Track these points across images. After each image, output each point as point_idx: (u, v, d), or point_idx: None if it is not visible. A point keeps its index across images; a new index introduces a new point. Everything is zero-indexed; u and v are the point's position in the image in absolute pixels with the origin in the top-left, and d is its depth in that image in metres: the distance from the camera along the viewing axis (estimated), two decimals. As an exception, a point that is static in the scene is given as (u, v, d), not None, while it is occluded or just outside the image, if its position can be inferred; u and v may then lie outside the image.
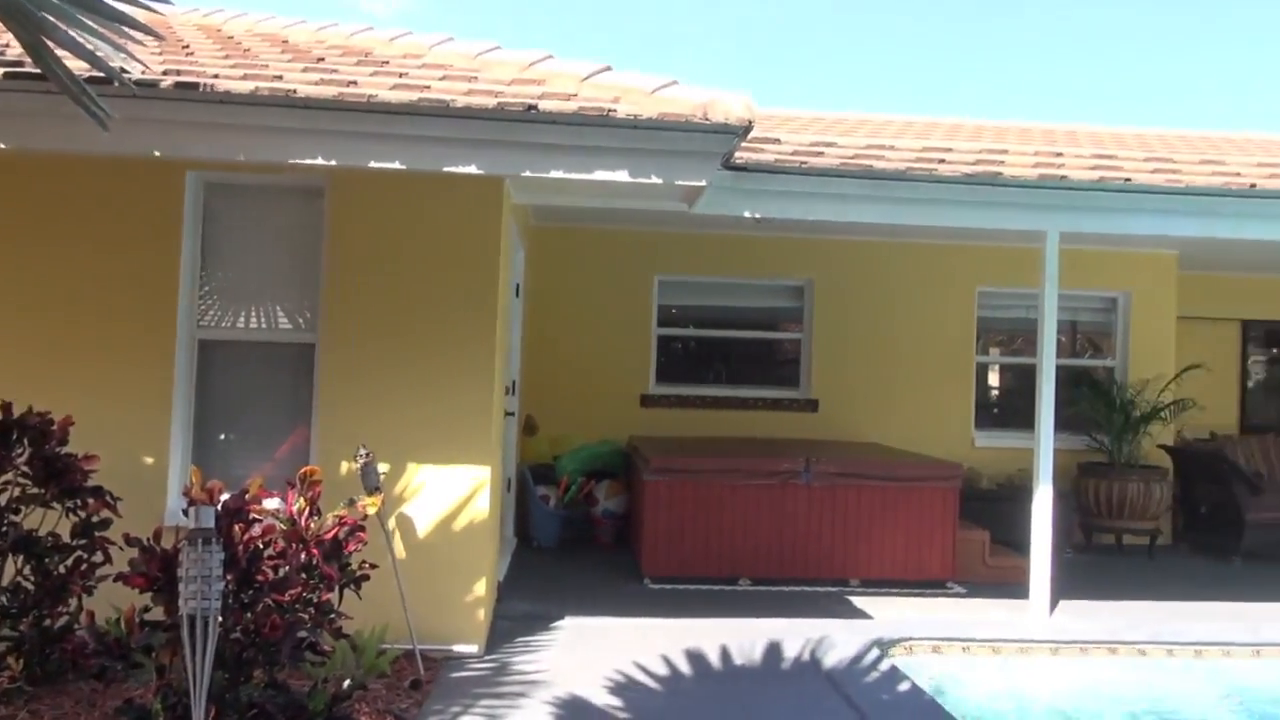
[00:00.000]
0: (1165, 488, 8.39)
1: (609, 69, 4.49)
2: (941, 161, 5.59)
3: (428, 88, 4.15)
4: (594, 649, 5.05)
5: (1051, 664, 5.41)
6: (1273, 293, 10.20)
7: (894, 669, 4.86)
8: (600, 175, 4.34)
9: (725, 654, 5.03)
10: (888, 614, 5.99)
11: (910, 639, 5.40)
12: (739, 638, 5.26)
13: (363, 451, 4.62)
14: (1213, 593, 6.87)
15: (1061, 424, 6.45)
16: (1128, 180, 5.59)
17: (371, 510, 4.50)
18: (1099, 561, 8.01)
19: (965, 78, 26.79)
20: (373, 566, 4.15)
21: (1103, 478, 8.32)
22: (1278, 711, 4.88)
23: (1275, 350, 10.97)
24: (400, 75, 4.32)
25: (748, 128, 4.21)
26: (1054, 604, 6.08)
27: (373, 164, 4.21)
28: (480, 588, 5.00)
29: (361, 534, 4.04)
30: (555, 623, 5.53)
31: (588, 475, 8.05)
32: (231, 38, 5.39)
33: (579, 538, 7.90)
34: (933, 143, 6.16)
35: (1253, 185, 5.62)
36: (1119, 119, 11.96)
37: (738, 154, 5.12)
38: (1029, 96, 26.45)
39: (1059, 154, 6.00)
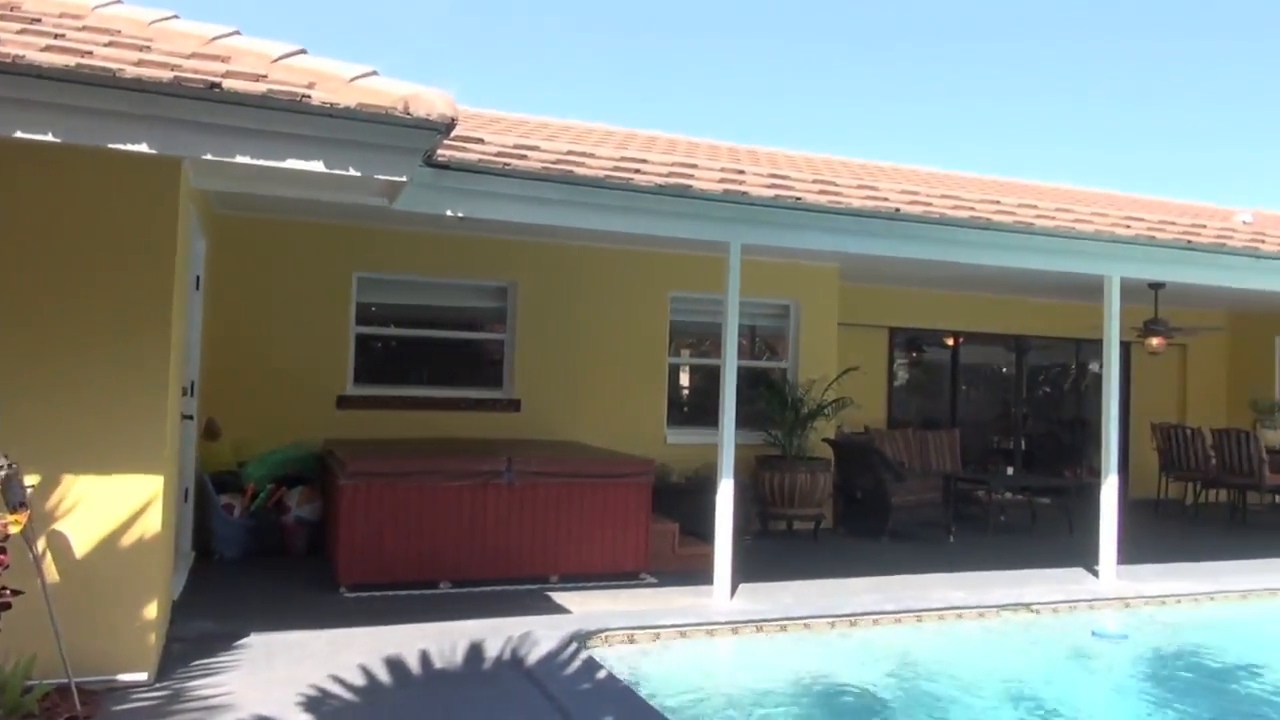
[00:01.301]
0: (828, 477, 9.37)
1: (303, 52, 4.27)
2: (637, 172, 5.87)
3: (90, 53, 3.71)
4: (285, 665, 4.77)
5: (733, 643, 5.85)
6: (914, 303, 11.73)
7: (591, 660, 5.03)
8: (292, 164, 4.11)
9: (426, 659, 4.95)
10: (586, 608, 6.18)
11: (607, 630, 5.61)
12: (440, 641, 5.20)
13: (2, 461, 4.03)
14: (865, 569, 7.75)
15: (743, 420, 7.00)
16: (799, 199, 6.18)
17: (15, 529, 3.93)
18: (773, 546, 8.77)
19: (663, 92, 28.27)
20: (15, 593, 3.65)
21: (776, 469, 9.13)
22: (915, 668, 5.61)
23: (915, 354, 12.64)
24: (56, 36, 3.83)
25: (450, 125, 4.18)
26: (735, 588, 6.58)
27: (19, 134, 3.70)
28: (150, 609, 4.55)
29: (1, 556, 3.53)
30: (240, 641, 5.15)
31: (278, 481, 7.58)
32: None
33: (268, 548, 7.42)
34: (630, 153, 6.45)
35: (898, 209, 6.42)
36: (785, 142, 13.20)
37: (440, 151, 5.06)
38: (716, 116, 28.42)
39: (741, 172, 6.50)
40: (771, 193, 6.13)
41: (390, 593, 6.39)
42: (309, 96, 3.89)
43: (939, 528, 9.62)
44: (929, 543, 9.23)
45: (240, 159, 4.03)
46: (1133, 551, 8.09)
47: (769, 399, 9.53)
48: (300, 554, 7.48)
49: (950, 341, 12.65)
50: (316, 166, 4.13)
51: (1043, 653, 6.16)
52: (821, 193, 6.35)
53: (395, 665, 4.83)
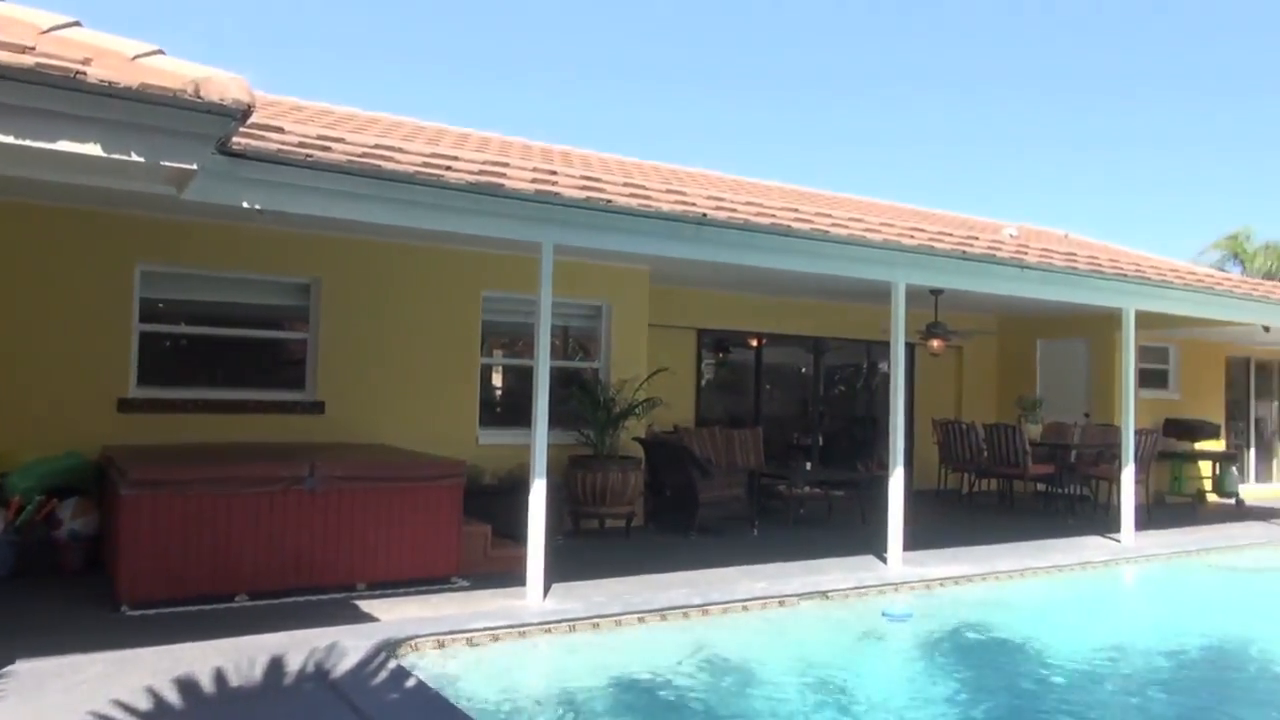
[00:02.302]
0: (639, 475, 9.55)
1: (78, 24, 3.93)
2: (449, 169, 5.77)
3: None
4: (58, 693, 4.36)
5: (546, 643, 5.85)
6: (721, 306, 12.15)
7: (401, 669, 4.90)
8: (66, 146, 3.78)
9: (221, 677, 4.66)
10: (395, 615, 6.02)
11: (417, 637, 5.48)
12: (237, 658, 4.91)
13: None
14: (674, 564, 7.95)
15: (556, 421, 7.02)
16: (610, 202, 6.27)
17: None
18: (586, 545, 8.85)
19: (474, 90, 27.93)
20: None
21: (589, 469, 9.21)
22: (722, 657, 5.81)
23: (721, 355, 13.10)
24: None
25: (246, 111, 3.97)
26: (548, 588, 6.59)
27: None
28: (-109, 639, 4.05)
29: None
30: (4, 669, 4.66)
31: (48, 493, 6.92)
32: None
33: (38, 566, 6.76)
34: (441, 149, 6.34)
35: (705, 215, 6.63)
36: (599, 144, 13.39)
37: (236, 139, 4.78)
38: (531, 114, 28.39)
39: (554, 172, 6.52)
40: (583, 194, 6.19)
41: (180, 609, 5.97)
42: (84, 73, 3.58)
43: (744, 522, 10.01)
44: (734, 537, 9.57)
45: (2, 139, 3.66)
46: (918, 538, 8.72)
47: (581, 399, 9.60)
48: (76, 571, 6.87)
49: (754, 343, 13.19)
50: (93, 150, 3.82)
51: (837, 635, 6.53)
52: (632, 196, 6.47)
53: (186, 685, 4.52)
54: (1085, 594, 8.26)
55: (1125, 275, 9.31)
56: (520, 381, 9.98)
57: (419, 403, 9.03)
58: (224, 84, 3.85)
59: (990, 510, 12.33)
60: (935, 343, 11.61)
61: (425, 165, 5.68)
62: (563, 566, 7.19)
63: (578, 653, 5.78)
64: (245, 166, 5.07)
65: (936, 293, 10.44)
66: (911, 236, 7.84)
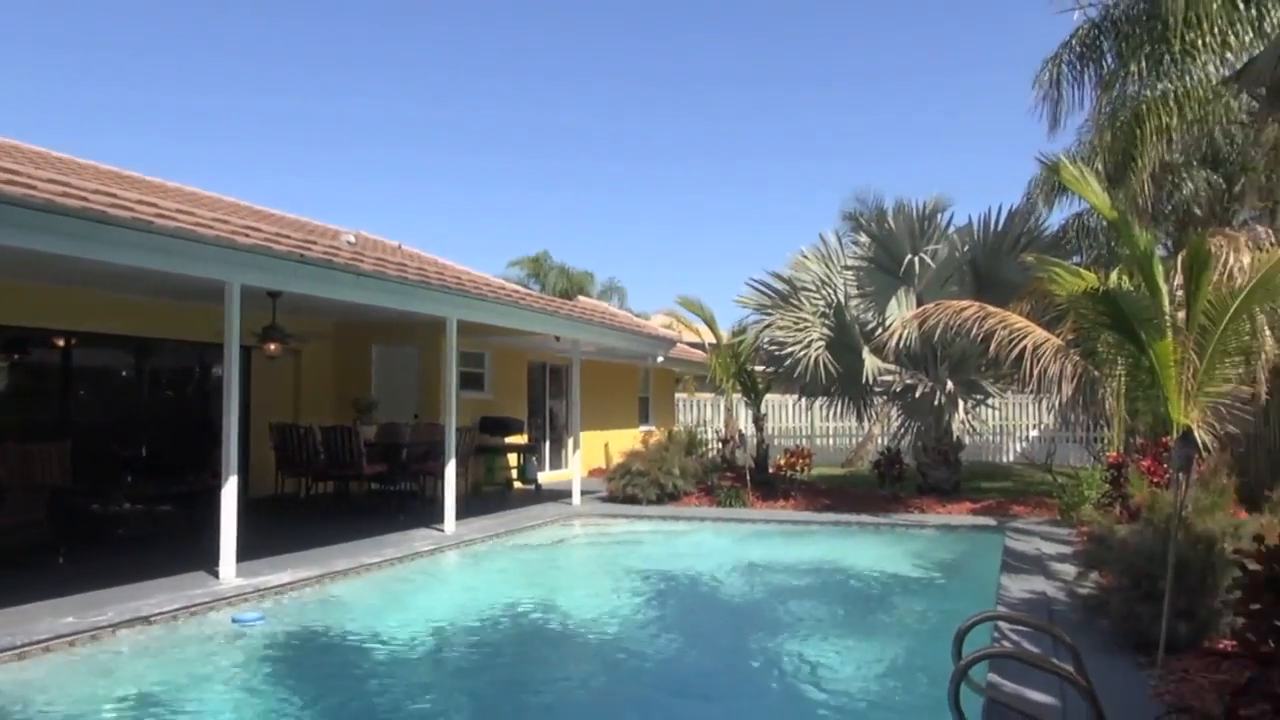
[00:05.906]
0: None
1: None
2: None
3: None
4: None
5: None
6: (15, 299, 10.31)
7: None
8: None
9: None
10: None
11: None
12: None
13: None
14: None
15: None
16: None
17: None
18: None
19: None
20: None
21: None
22: (11, 714, 4.96)
23: (16, 357, 11.12)
24: None
25: None
26: None
27: None
28: None
29: None
30: None
31: None
32: None
33: None
34: None
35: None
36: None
37: None
38: None
39: None
40: None
41: None
42: None
43: (47, 549, 8.64)
44: (36, 569, 8.23)
45: None
46: (256, 546, 8.47)
47: None
48: None
49: (61, 343, 11.47)
50: None
51: (164, 659, 6.02)
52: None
53: None
54: (414, 581, 8.86)
55: (449, 287, 10.24)
56: None
57: None
58: None
59: (328, 512, 12.50)
60: (272, 346, 11.37)
61: None
62: None
63: None
64: None
65: (274, 295, 10.25)
66: (247, 235, 7.60)
